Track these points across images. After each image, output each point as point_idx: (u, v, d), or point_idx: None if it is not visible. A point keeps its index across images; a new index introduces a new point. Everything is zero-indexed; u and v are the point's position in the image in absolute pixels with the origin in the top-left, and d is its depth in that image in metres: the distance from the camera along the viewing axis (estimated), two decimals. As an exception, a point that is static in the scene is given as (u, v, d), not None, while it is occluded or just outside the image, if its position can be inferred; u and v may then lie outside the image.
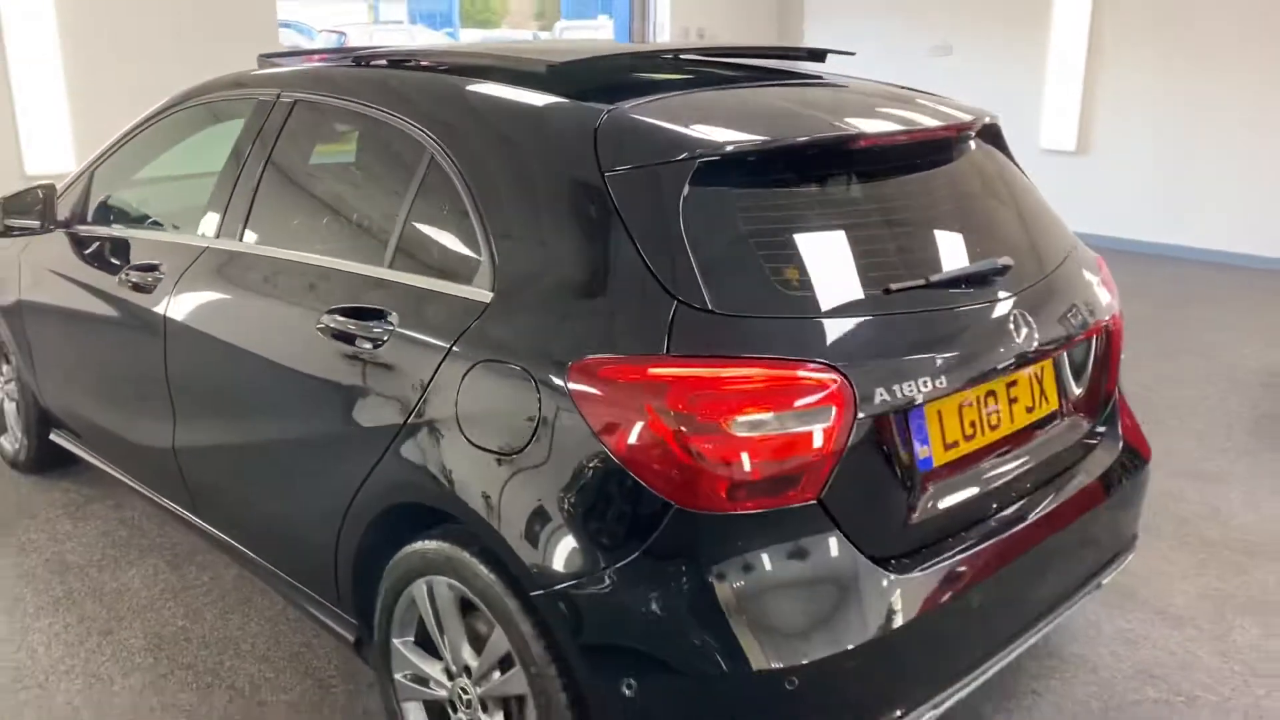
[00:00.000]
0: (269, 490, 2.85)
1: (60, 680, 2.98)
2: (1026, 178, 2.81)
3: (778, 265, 2.10)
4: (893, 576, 2.07)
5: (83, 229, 3.61)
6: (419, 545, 2.32)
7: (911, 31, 10.01)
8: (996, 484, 2.34)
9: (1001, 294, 2.34)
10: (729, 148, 2.14)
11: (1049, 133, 9.27)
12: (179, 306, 3.01)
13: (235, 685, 2.96)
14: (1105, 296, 2.72)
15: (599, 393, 1.99)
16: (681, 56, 2.92)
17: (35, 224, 3.63)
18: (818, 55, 3.09)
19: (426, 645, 2.41)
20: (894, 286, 2.17)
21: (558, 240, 2.19)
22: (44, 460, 4.22)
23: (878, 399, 2.04)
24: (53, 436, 4.05)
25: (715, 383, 1.94)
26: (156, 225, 3.55)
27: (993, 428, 2.34)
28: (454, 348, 2.22)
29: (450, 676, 2.35)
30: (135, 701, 2.89)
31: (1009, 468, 2.38)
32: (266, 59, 3.32)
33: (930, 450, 2.19)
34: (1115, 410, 2.79)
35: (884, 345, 2.11)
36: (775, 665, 1.92)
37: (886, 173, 2.39)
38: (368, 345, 2.40)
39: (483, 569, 2.15)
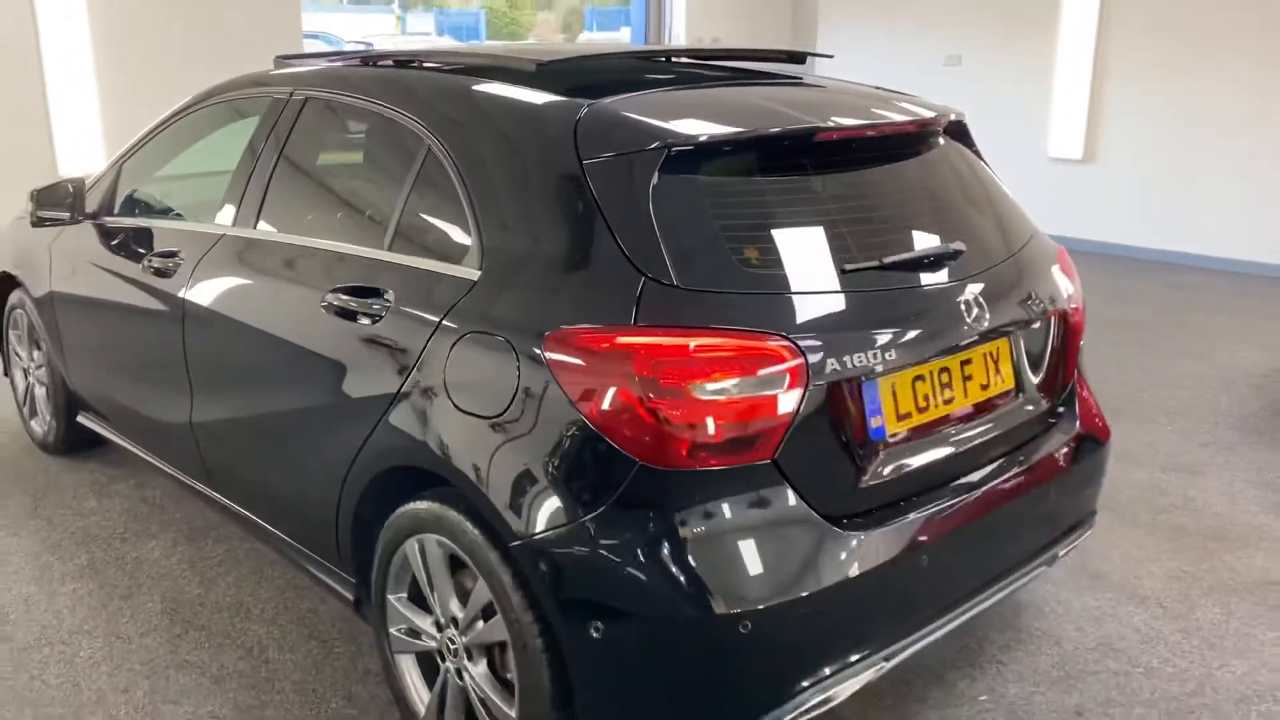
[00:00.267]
0: (277, 459, 3.05)
1: (83, 639, 3.19)
2: (990, 172, 2.98)
3: (739, 246, 2.28)
4: (844, 534, 2.24)
5: (109, 220, 3.84)
6: (411, 506, 2.51)
7: (922, 41, 10.17)
8: (950, 455, 2.50)
9: (953, 277, 2.51)
10: (696, 138, 2.33)
11: (1056, 141, 9.41)
12: (196, 290, 3.22)
13: (245, 645, 3.16)
14: (1062, 284, 2.88)
15: (572, 360, 2.17)
16: (664, 58, 3.11)
17: (65, 215, 3.87)
18: (797, 57, 3.26)
19: (418, 601, 2.60)
20: (849, 267, 2.34)
21: (540, 223, 2.38)
22: (72, 442, 4.45)
23: (829, 370, 2.21)
24: (80, 418, 4.28)
25: (677, 351, 2.12)
26: (178, 216, 3.77)
27: (946, 402, 2.51)
28: (444, 322, 2.41)
29: (439, 628, 2.53)
30: (151, 658, 3.09)
31: (962, 440, 2.54)
32: (283, 60, 3.53)
33: (883, 420, 2.36)
34: (1074, 393, 2.93)
35: (838, 321, 2.29)
36: (729, 610, 2.09)
37: (847, 163, 2.57)
38: (367, 321, 2.60)
39: (468, 525, 2.34)
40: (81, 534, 3.86)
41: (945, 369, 2.50)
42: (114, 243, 3.76)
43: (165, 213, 3.86)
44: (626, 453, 2.12)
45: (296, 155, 3.12)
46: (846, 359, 2.24)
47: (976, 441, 2.57)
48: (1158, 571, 3.63)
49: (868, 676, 2.33)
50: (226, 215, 3.24)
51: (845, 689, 2.29)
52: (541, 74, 2.66)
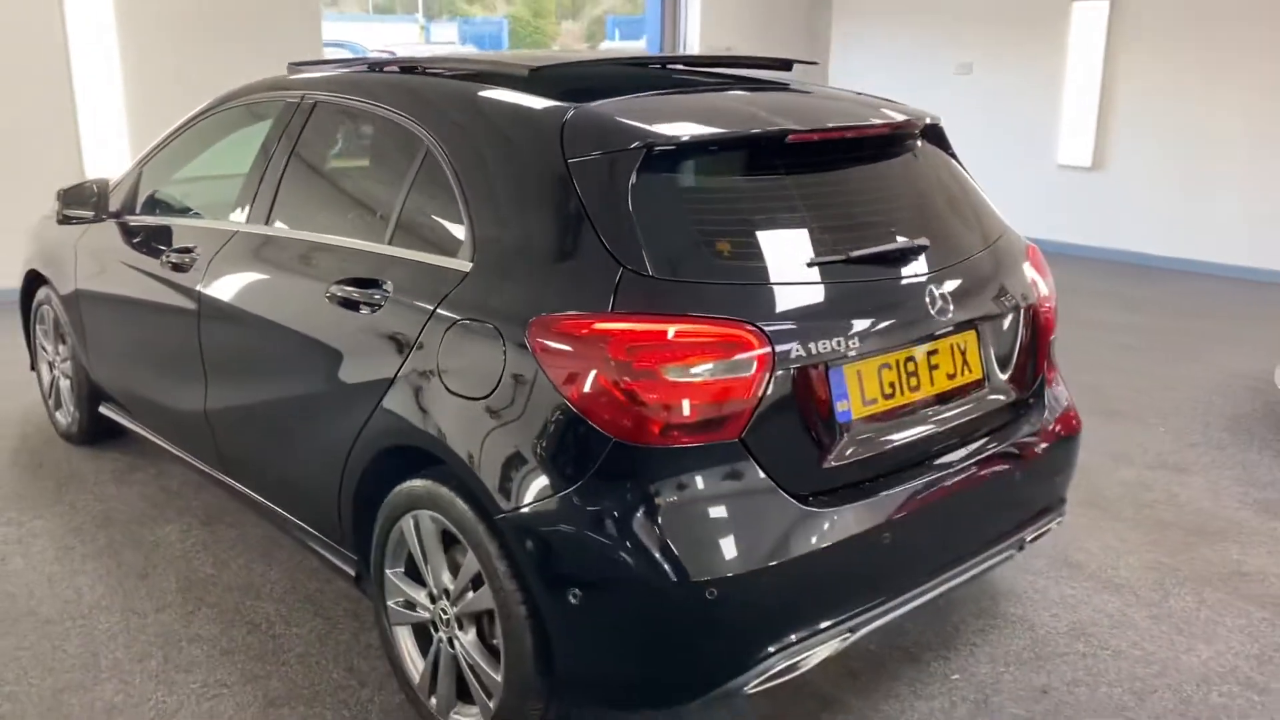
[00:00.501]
0: (284, 443, 3.22)
1: (101, 614, 3.37)
2: (965, 173, 3.11)
3: (713, 239, 2.44)
4: (808, 510, 2.38)
5: (131, 219, 4.03)
6: (407, 484, 2.67)
7: (934, 50, 10.30)
8: (914, 440, 2.64)
9: (919, 272, 2.65)
10: (673, 139, 2.48)
11: (1065, 149, 9.51)
12: (211, 283, 3.40)
13: (253, 621, 3.32)
14: (1032, 281, 3.01)
15: (553, 344, 2.33)
16: (654, 65, 3.27)
17: (89, 214, 4.07)
18: (785, 64, 3.41)
19: (414, 575, 2.76)
20: (817, 261, 2.49)
21: (528, 217, 2.53)
22: (94, 432, 4.64)
23: (795, 356, 2.36)
24: (102, 409, 4.47)
25: (650, 336, 2.27)
26: (196, 215, 3.96)
27: (913, 390, 2.64)
28: (438, 310, 2.57)
29: (433, 600, 2.68)
30: (165, 632, 3.26)
31: (928, 426, 2.67)
32: (296, 66, 3.71)
33: (849, 405, 2.50)
34: (1044, 385, 3.06)
35: (804, 311, 2.43)
36: (696, 577, 2.24)
37: (819, 163, 2.72)
38: (367, 310, 2.77)
39: (458, 500, 2.49)
40: (102, 518, 4.04)
41: (911, 358, 2.64)
42: (135, 240, 3.95)
43: (184, 211, 4.04)
44: (603, 431, 2.27)
45: (306, 156, 3.30)
46: (812, 346, 2.39)
47: (942, 428, 2.70)
48: (1135, 562, 3.75)
49: (834, 646, 2.46)
50: (240, 213, 3.42)
51: (812, 657, 2.43)
52: (533, 79, 2.82)
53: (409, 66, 3.21)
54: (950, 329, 2.70)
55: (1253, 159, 8.52)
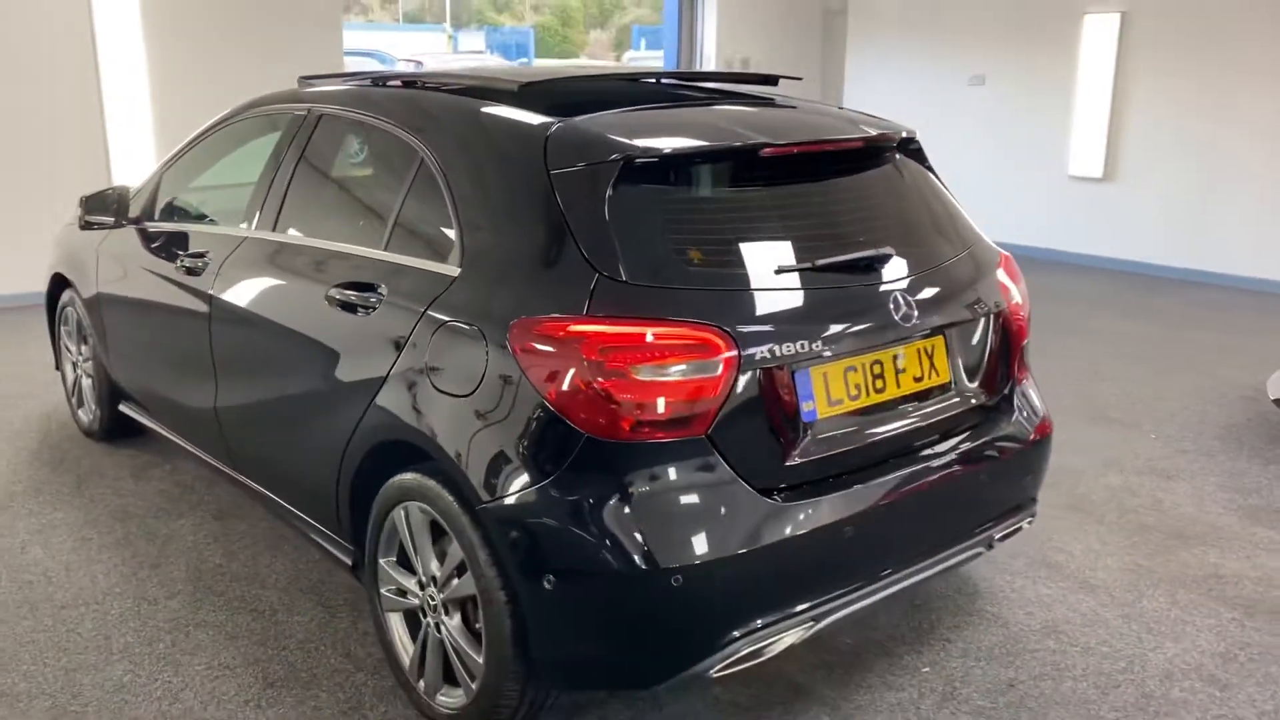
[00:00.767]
0: (287, 439, 3.38)
1: (114, 600, 3.54)
2: (939, 184, 3.23)
3: (685, 248, 2.58)
4: (773, 504, 2.52)
5: (149, 225, 4.22)
6: (399, 478, 2.82)
7: (948, 62, 10.40)
8: (879, 439, 2.76)
9: (885, 279, 2.78)
10: (649, 152, 2.62)
11: (1077, 160, 9.59)
12: (221, 286, 3.58)
13: (257, 609, 3.49)
14: (1000, 290, 3.12)
15: (532, 345, 2.47)
16: (645, 79, 3.42)
17: (109, 219, 4.27)
18: (771, 80, 3.54)
19: (405, 564, 2.91)
20: (785, 268, 2.63)
21: (513, 225, 2.69)
22: (114, 430, 4.83)
23: (760, 358, 2.49)
24: (121, 408, 4.66)
25: (621, 338, 2.41)
26: (211, 221, 4.14)
27: (878, 392, 2.77)
28: (427, 312, 2.72)
29: (422, 587, 2.83)
30: (174, 617, 3.43)
31: (893, 426, 2.80)
32: (305, 80, 3.88)
33: (815, 405, 2.63)
34: (1014, 389, 3.17)
35: (771, 316, 2.57)
36: (661, 565, 2.38)
37: (792, 175, 2.85)
38: (363, 312, 2.93)
39: (444, 492, 2.64)
40: (119, 511, 4.22)
41: (878, 361, 2.76)
42: (153, 245, 4.14)
43: (198, 218, 4.23)
44: (577, 427, 2.41)
45: (310, 166, 3.47)
46: (777, 349, 2.52)
47: (907, 428, 2.83)
48: (1113, 564, 3.85)
49: (798, 634, 2.59)
50: (249, 220, 3.59)
51: (776, 643, 2.56)
52: (523, 94, 2.97)
53: (409, 81, 3.38)
54: (917, 334, 2.82)
55: (1263, 170, 8.57)
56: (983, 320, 3.05)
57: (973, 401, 3.02)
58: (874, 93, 10.86)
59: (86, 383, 4.91)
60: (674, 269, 2.54)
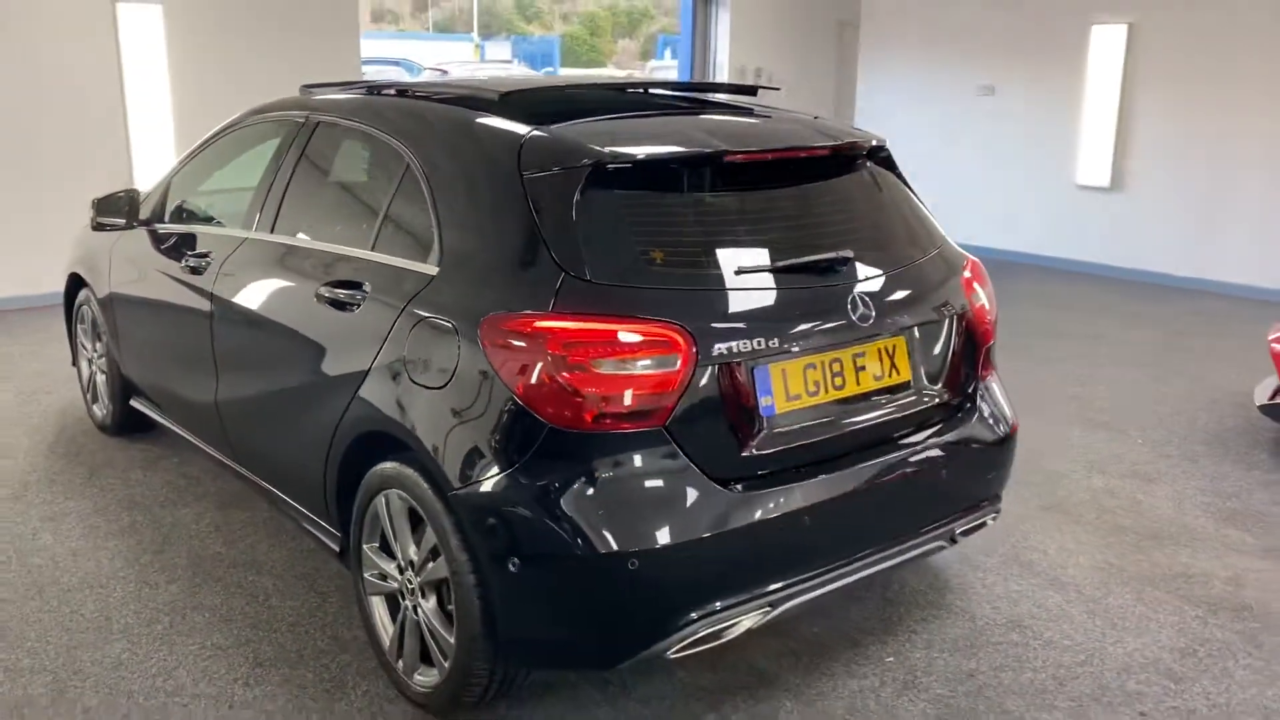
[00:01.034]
0: (281, 430, 3.54)
1: (118, 584, 3.70)
2: (907, 191, 3.35)
3: (648, 249, 2.71)
4: (729, 493, 2.64)
5: (159, 226, 4.40)
6: (380, 467, 2.96)
7: (958, 72, 10.49)
8: (837, 434, 2.88)
9: (844, 281, 2.90)
10: (617, 157, 2.76)
11: (1084, 170, 9.65)
12: (222, 285, 3.74)
13: (253, 594, 3.64)
14: (965, 293, 3.23)
15: (500, 340, 2.61)
16: (631, 88, 3.56)
17: (121, 221, 4.45)
18: (750, 90, 3.67)
19: (386, 550, 3.05)
20: (745, 268, 2.75)
21: (487, 227, 2.83)
22: (126, 425, 5.02)
23: (717, 354, 2.62)
24: (132, 403, 4.84)
25: (584, 334, 2.54)
26: (219, 224, 4.32)
27: (837, 388, 2.89)
28: (407, 308, 2.87)
29: (400, 571, 2.98)
30: (173, 600, 3.59)
31: (851, 422, 2.91)
32: (307, 89, 4.05)
33: (773, 400, 2.76)
34: (979, 390, 3.28)
35: (730, 314, 2.69)
36: (617, 549, 2.51)
37: (757, 180, 2.98)
38: (349, 308, 3.08)
39: (421, 480, 2.78)
40: (127, 501, 4.40)
41: (837, 359, 2.88)
42: (161, 246, 4.32)
43: (204, 220, 4.40)
44: (541, 418, 2.55)
45: (306, 171, 3.63)
46: (735, 346, 2.65)
47: (865, 425, 2.94)
48: (1085, 563, 3.94)
49: (755, 619, 2.71)
50: (249, 221, 3.76)
51: (733, 628, 2.68)
52: (503, 103, 3.12)
53: (401, 91, 3.53)
54: (878, 333, 2.94)
55: (1269, 180, 8.61)
56: (946, 322, 3.16)
57: (934, 400, 3.13)
58: (885, 102, 10.97)
59: (100, 379, 5.10)
60: (638, 269, 2.67)
